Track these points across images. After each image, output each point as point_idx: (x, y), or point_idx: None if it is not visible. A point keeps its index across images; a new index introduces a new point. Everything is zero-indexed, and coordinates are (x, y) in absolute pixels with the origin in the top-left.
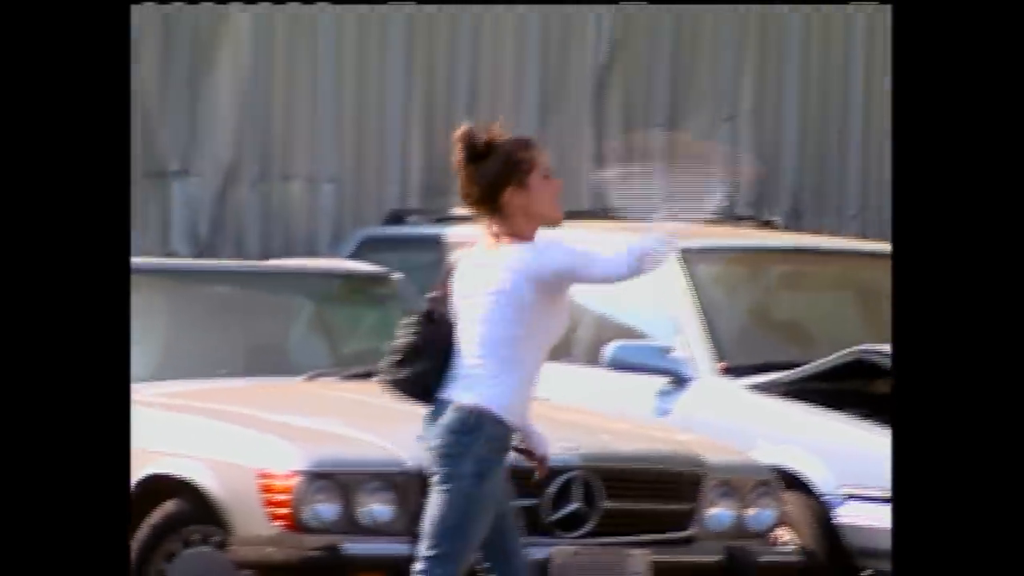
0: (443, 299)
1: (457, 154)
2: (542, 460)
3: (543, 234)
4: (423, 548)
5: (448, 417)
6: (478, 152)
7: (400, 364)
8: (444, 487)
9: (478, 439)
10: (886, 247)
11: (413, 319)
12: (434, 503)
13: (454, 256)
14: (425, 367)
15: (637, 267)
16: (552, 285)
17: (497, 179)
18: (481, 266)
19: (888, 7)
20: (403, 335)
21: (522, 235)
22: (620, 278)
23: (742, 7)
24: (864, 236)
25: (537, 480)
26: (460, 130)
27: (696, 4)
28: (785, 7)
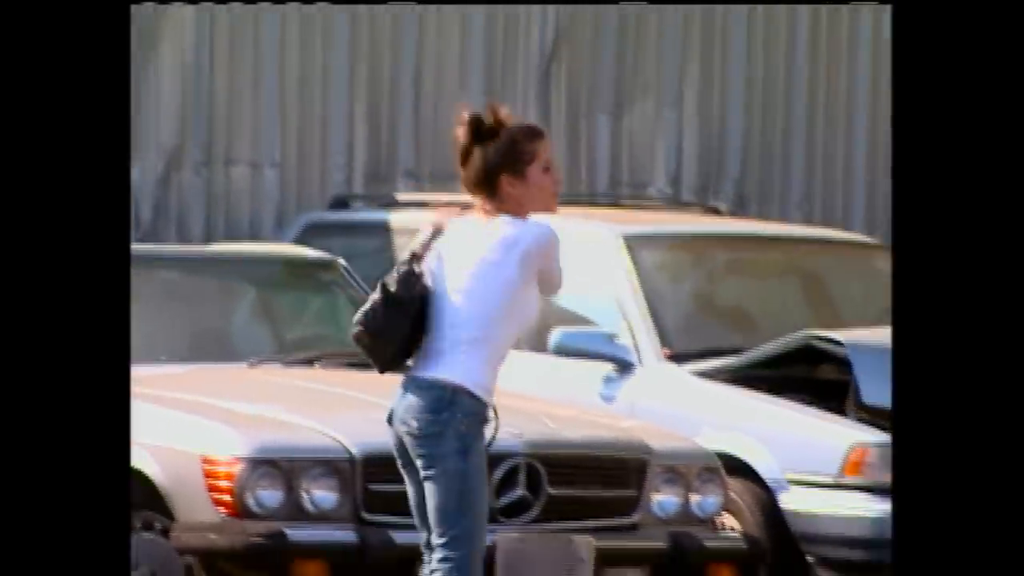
0: (422, 258)
1: (462, 134)
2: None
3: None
4: (434, 537)
5: (422, 396)
6: (483, 134)
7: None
8: (431, 472)
9: (455, 415)
10: (830, 233)
11: (402, 268)
12: (429, 492)
13: (442, 219)
14: (404, 329)
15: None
16: (534, 269)
17: (496, 164)
18: (472, 237)
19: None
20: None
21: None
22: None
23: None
24: (809, 223)
25: None
26: (468, 112)
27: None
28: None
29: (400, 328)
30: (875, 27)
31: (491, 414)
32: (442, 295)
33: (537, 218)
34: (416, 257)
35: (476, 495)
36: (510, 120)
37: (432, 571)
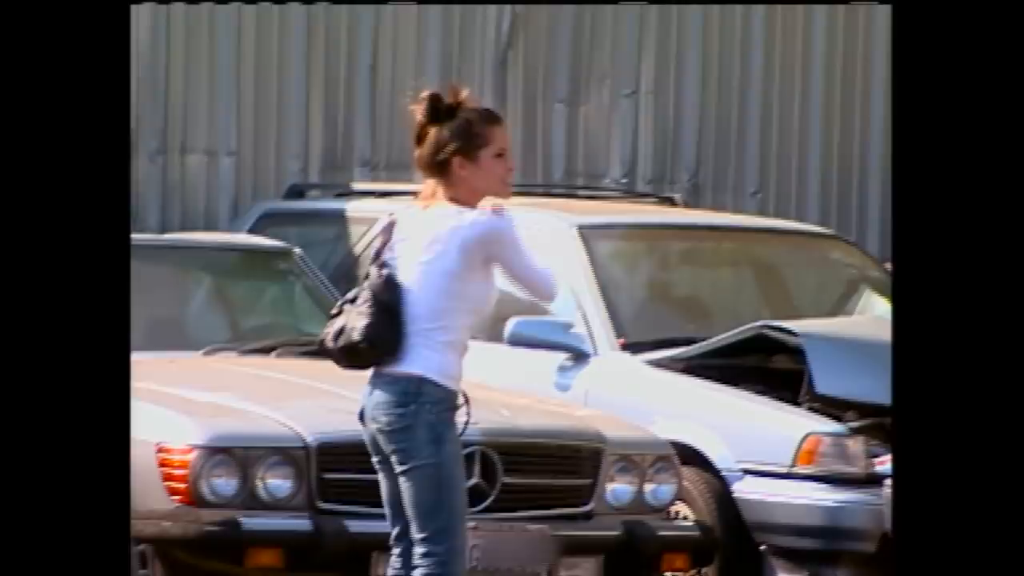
0: (385, 249)
1: (419, 111)
2: None
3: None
4: (415, 532)
5: (388, 391)
6: (439, 113)
7: (380, 316)
8: (406, 467)
9: (423, 406)
10: (784, 224)
11: (382, 270)
12: (405, 487)
13: (397, 209)
14: (398, 328)
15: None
16: (481, 259)
17: (449, 146)
18: (418, 230)
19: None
20: (379, 287)
21: (463, 204)
22: (551, 298)
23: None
24: (763, 214)
25: None
26: (429, 91)
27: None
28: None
29: (396, 332)
30: (829, 24)
31: (460, 401)
32: (406, 292)
33: (495, 210)
34: (384, 255)
35: (454, 485)
36: (469, 102)
37: (415, 566)
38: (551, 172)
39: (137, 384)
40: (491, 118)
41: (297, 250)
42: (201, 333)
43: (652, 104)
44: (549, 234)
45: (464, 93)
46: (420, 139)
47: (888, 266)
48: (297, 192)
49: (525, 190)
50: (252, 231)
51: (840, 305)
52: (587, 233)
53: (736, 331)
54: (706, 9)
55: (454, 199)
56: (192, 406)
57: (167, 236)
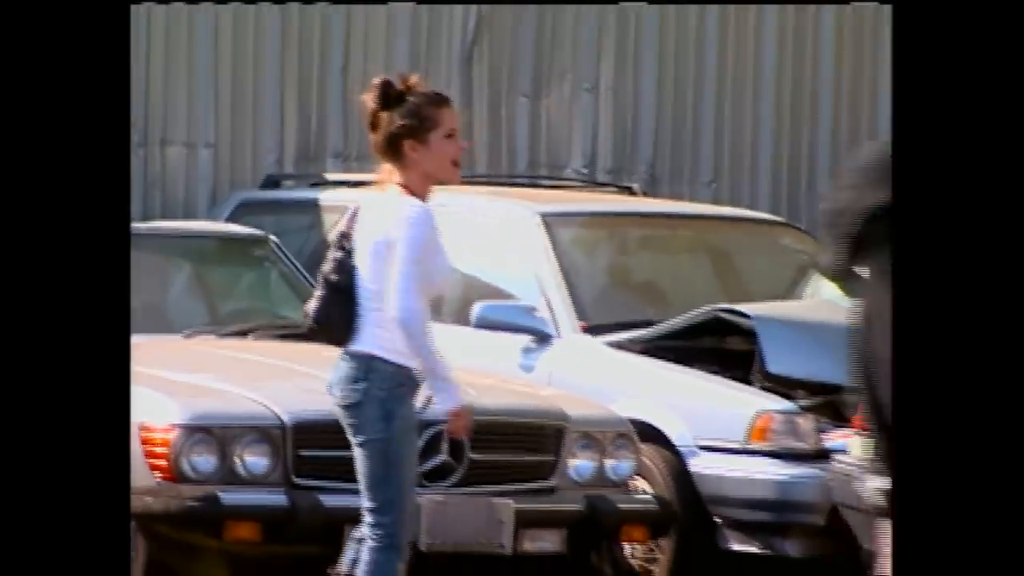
0: (349, 236)
1: (371, 98)
2: (454, 418)
3: (433, 196)
4: (364, 502)
5: (342, 368)
6: (390, 99)
7: (329, 296)
8: (358, 440)
9: (373, 383)
10: (738, 212)
11: (336, 253)
12: (357, 458)
13: (361, 198)
14: (350, 309)
15: (404, 332)
16: (421, 247)
17: (400, 129)
18: (373, 217)
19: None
20: (330, 269)
21: (416, 189)
22: (399, 321)
23: None
24: (717, 202)
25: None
26: (381, 77)
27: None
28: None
29: (347, 312)
30: (780, 20)
31: (417, 378)
32: (358, 274)
33: (429, 198)
34: (345, 240)
35: (402, 460)
36: (418, 87)
37: (364, 536)
38: (515, 163)
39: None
40: (439, 100)
41: (272, 238)
42: (181, 317)
43: (611, 99)
44: (513, 222)
45: (413, 79)
46: (374, 126)
47: None
48: (273, 182)
49: (491, 180)
50: (230, 220)
51: (791, 289)
52: (550, 221)
53: (692, 314)
54: (662, 9)
55: (406, 184)
56: (173, 387)
57: (148, 224)
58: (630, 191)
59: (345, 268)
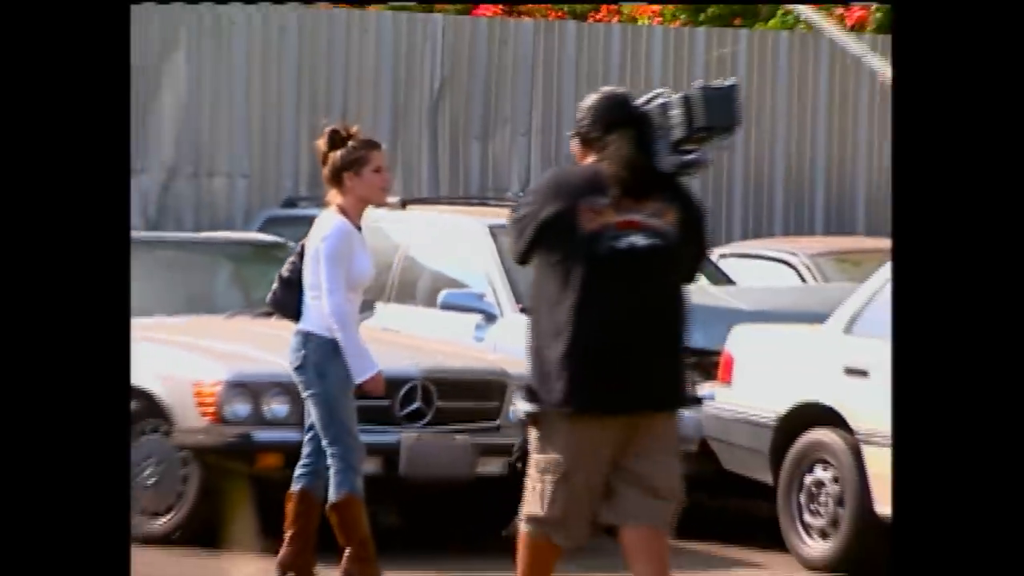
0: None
1: (322, 143)
2: (367, 385)
3: (367, 215)
4: (323, 442)
5: (291, 341)
6: (335, 143)
7: (281, 287)
8: (305, 394)
9: (310, 351)
10: None
11: (293, 256)
12: (308, 408)
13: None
14: (295, 295)
15: (332, 319)
16: (340, 253)
17: (342, 165)
18: (313, 230)
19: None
20: (285, 268)
21: (351, 209)
22: (330, 315)
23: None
24: None
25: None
26: (330, 126)
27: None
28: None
29: (293, 299)
30: (708, 48)
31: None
32: (304, 272)
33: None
34: (302, 248)
35: (339, 405)
36: (357, 135)
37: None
38: (470, 188)
39: (180, 338)
40: (370, 145)
41: (291, 243)
42: (224, 302)
43: (540, 140)
44: (467, 232)
45: (353, 128)
46: (324, 162)
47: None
48: (291, 203)
49: (452, 200)
50: (259, 231)
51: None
52: (495, 231)
53: None
54: (579, 61)
55: (342, 206)
56: (218, 353)
57: (201, 235)
58: None
59: (295, 268)
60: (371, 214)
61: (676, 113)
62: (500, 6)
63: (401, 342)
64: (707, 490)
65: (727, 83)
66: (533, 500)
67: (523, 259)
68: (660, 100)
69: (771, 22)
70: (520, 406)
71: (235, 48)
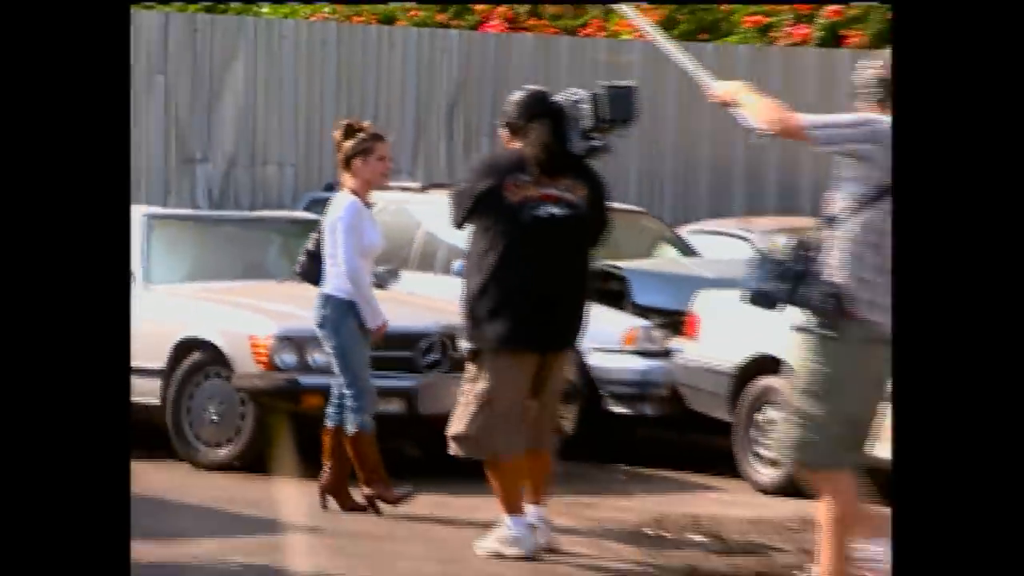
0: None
1: (338, 135)
2: (377, 330)
3: (373, 195)
4: (342, 382)
5: (314, 302)
6: (348, 134)
7: (307, 259)
8: (326, 346)
9: (328, 310)
10: (614, 205)
11: (316, 233)
12: (330, 356)
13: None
14: (318, 265)
15: (349, 280)
16: (352, 227)
17: (352, 152)
18: (329, 209)
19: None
20: (310, 243)
21: (360, 190)
22: (346, 274)
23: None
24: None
25: (375, 341)
26: (345, 120)
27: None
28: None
29: (316, 267)
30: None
31: (359, 306)
32: (323, 244)
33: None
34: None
35: (352, 355)
36: (368, 128)
37: (341, 399)
38: None
39: (237, 299)
40: (377, 136)
41: None
42: (275, 270)
43: None
44: None
45: (365, 123)
46: (339, 149)
47: (677, 230)
48: (330, 187)
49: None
50: (304, 210)
51: (647, 253)
52: None
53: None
54: (570, 77)
55: (353, 187)
56: (270, 312)
57: (256, 213)
58: None
59: (318, 242)
60: (396, 197)
61: (585, 107)
62: (506, 24)
63: (422, 303)
64: (676, 428)
65: (628, 84)
66: (458, 421)
67: (460, 225)
68: (573, 97)
69: (732, 38)
70: (462, 344)
71: (284, 58)
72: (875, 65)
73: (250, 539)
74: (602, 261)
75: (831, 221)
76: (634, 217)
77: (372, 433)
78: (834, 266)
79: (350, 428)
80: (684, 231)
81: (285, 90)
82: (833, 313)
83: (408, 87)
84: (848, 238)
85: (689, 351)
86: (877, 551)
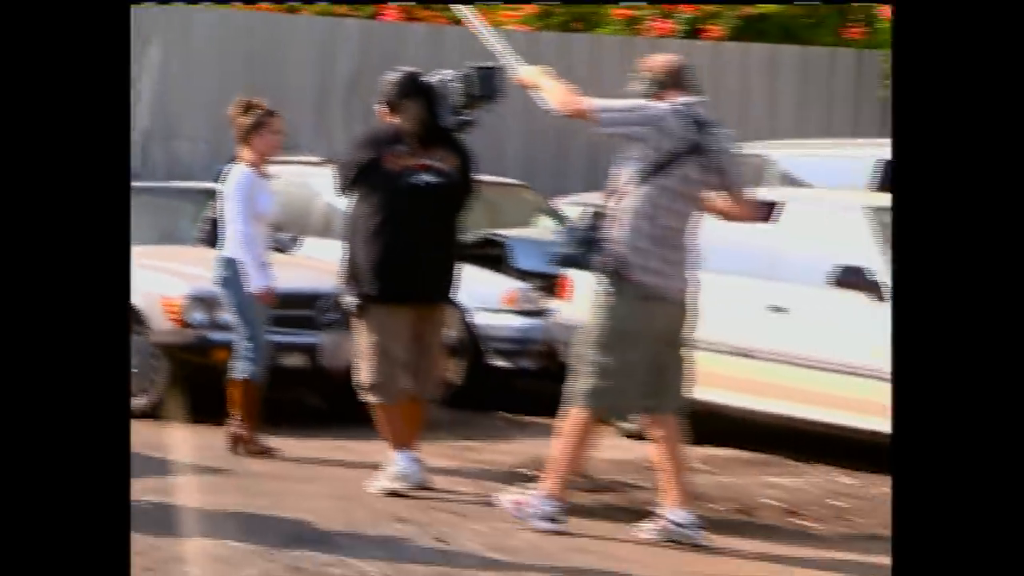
0: None
1: (234, 111)
2: (262, 293)
3: (268, 167)
4: (242, 338)
5: (214, 263)
6: (244, 111)
7: (210, 226)
8: (226, 304)
9: (226, 271)
10: (498, 179)
11: (218, 201)
12: (230, 313)
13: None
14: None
15: (240, 243)
16: (246, 193)
17: (249, 127)
18: (227, 177)
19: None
20: (211, 210)
21: (255, 161)
22: (236, 238)
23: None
24: (489, 173)
25: (263, 302)
26: (241, 98)
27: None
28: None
29: (216, 232)
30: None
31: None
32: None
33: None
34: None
35: (248, 311)
36: (262, 105)
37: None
38: None
39: (153, 262)
40: (271, 113)
41: None
42: (187, 235)
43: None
44: None
45: (258, 100)
46: (236, 124)
47: (551, 201)
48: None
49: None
50: (215, 182)
51: (527, 223)
52: None
53: (474, 235)
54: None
55: (251, 159)
56: (183, 273)
57: (170, 183)
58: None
59: (220, 210)
60: (299, 170)
61: (456, 86)
62: (401, 14)
63: (322, 267)
64: (552, 379)
65: (494, 65)
66: (364, 372)
67: (344, 192)
68: (444, 77)
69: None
70: (346, 300)
71: (196, 43)
72: (659, 61)
73: (160, 480)
74: (486, 229)
75: (614, 195)
76: (516, 190)
77: (258, 383)
78: (615, 234)
79: (239, 375)
80: (560, 203)
81: (198, 73)
82: (612, 275)
83: (310, 71)
84: (627, 210)
85: (563, 311)
86: (681, 518)
